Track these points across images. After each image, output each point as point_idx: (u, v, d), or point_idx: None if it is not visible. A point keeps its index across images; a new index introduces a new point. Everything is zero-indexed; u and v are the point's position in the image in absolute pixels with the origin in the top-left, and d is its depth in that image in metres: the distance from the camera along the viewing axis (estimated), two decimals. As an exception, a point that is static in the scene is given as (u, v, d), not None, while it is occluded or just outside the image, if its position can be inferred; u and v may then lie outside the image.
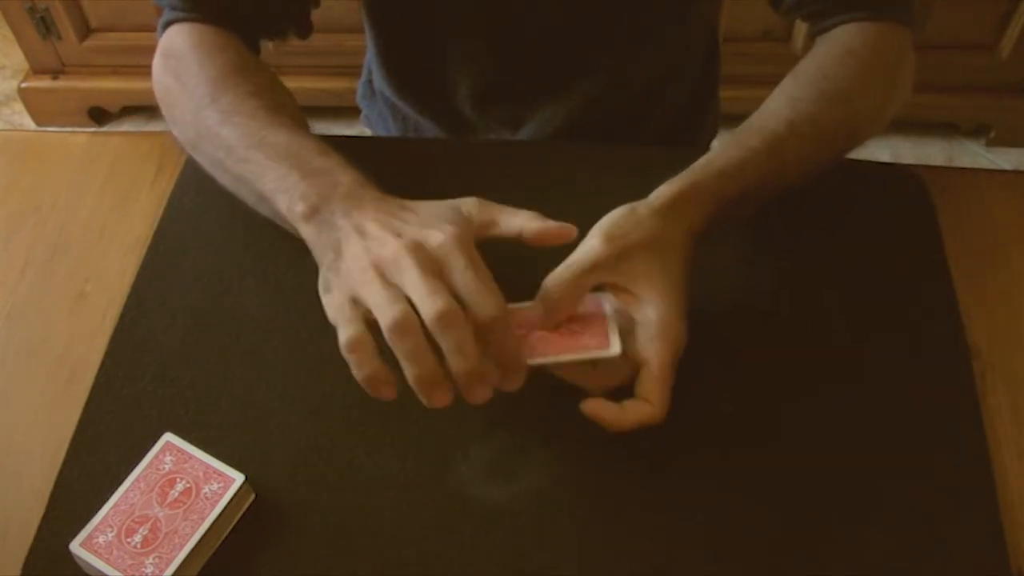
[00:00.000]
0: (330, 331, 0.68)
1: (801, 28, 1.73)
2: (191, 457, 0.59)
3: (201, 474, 0.59)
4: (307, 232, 0.60)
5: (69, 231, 0.76)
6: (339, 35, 1.74)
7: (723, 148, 0.67)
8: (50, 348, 0.69)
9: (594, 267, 0.59)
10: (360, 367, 0.54)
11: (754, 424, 0.63)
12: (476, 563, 0.58)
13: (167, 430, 0.61)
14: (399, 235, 0.55)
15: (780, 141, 0.67)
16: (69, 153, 0.82)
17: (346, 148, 0.71)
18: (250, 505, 0.60)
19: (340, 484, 0.61)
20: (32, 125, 2.00)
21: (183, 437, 0.60)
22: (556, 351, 0.58)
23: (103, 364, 0.66)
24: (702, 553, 0.58)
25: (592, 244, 0.60)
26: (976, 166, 1.90)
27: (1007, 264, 0.74)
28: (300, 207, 0.60)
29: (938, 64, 1.80)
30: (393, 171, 0.76)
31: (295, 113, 0.71)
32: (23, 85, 1.94)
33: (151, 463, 0.59)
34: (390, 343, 0.52)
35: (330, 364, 0.66)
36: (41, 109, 1.99)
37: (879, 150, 1.94)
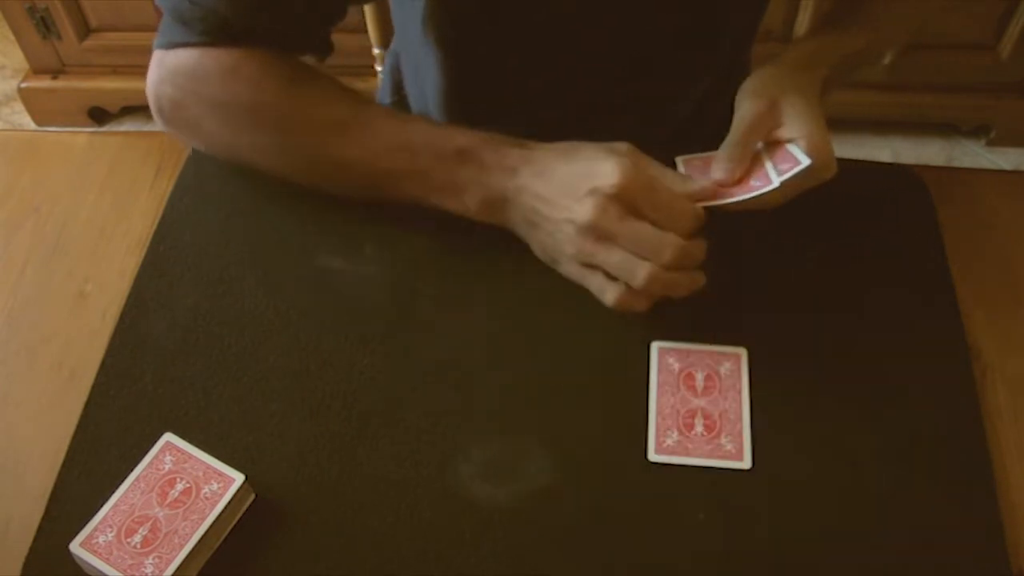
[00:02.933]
0: (330, 331, 0.68)
1: (801, 28, 1.73)
2: (191, 457, 0.59)
3: (201, 474, 0.59)
4: (494, 219, 0.67)
5: (69, 231, 0.76)
6: (339, 35, 1.74)
7: (826, 19, 0.77)
8: (50, 348, 0.69)
9: (754, 125, 0.66)
10: (639, 309, 0.64)
11: (754, 424, 0.63)
12: (476, 563, 0.58)
13: (167, 430, 0.61)
14: (580, 199, 0.61)
15: (874, 13, 0.76)
16: (69, 153, 0.82)
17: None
18: (250, 505, 0.60)
19: (340, 484, 0.61)
20: (32, 125, 2.00)
21: (183, 437, 0.60)
22: (731, 195, 0.66)
23: (103, 364, 0.66)
24: (702, 553, 0.58)
25: (746, 105, 0.67)
26: (976, 166, 1.90)
27: (1007, 264, 0.74)
28: (473, 206, 0.66)
29: (938, 64, 1.80)
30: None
31: (371, 101, 0.71)
32: (23, 85, 1.94)
33: (151, 463, 0.59)
34: (649, 293, 0.62)
35: (330, 364, 0.66)
36: (41, 109, 1.98)
37: (879, 150, 1.94)
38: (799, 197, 0.72)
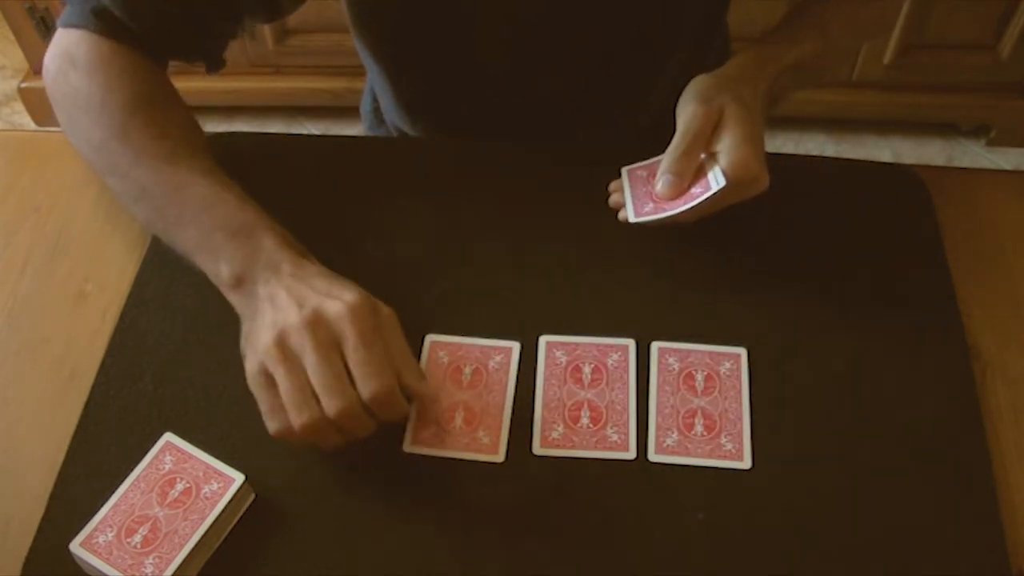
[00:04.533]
0: (330, 331, 0.67)
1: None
2: (191, 457, 0.59)
3: (201, 474, 0.59)
4: (232, 299, 0.64)
5: (69, 231, 0.76)
6: (339, 35, 1.74)
7: (774, 30, 0.76)
8: (50, 348, 0.69)
9: (701, 132, 0.67)
10: (296, 445, 0.59)
11: (754, 424, 0.63)
12: (476, 563, 0.58)
13: (167, 430, 0.61)
14: (302, 306, 0.59)
15: (823, 22, 0.76)
16: (69, 153, 0.82)
17: (347, 148, 0.72)
18: (250, 505, 0.60)
19: (340, 484, 0.61)
20: (32, 125, 2.00)
21: (183, 437, 0.60)
22: (674, 206, 0.68)
23: (103, 364, 0.66)
24: (702, 552, 0.58)
25: (690, 111, 0.67)
26: (976, 166, 1.90)
27: (1007, 264, 0.74)
28: (226, 275, 0.64)
29: (938, 64, 1.80)
30: (393, 171, 0.76)
31: (208, 155, 0.70)
32: (23, 85, 1.94)
33: (151, 463, 0.59)
34: (302, 436, 0.57)
35: (330, 364, 0.66)
36: (41, 109, 1.98)
37: (879, 150, 1.94)
38: (800, 196, 0.72)
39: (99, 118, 0.69)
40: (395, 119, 0.96)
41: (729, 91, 0.68)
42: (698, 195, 0.66)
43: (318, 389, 0.57)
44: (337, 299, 0.59)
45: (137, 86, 0.70)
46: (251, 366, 0.59)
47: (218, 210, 0.65)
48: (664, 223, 0.69)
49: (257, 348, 0.59)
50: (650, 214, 0.69)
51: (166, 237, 0.68)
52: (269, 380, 0.58)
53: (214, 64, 0.77)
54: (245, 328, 0.62)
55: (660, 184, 0.67)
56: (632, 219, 0.70)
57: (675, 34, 0.86)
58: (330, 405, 0.56)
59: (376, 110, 1.02)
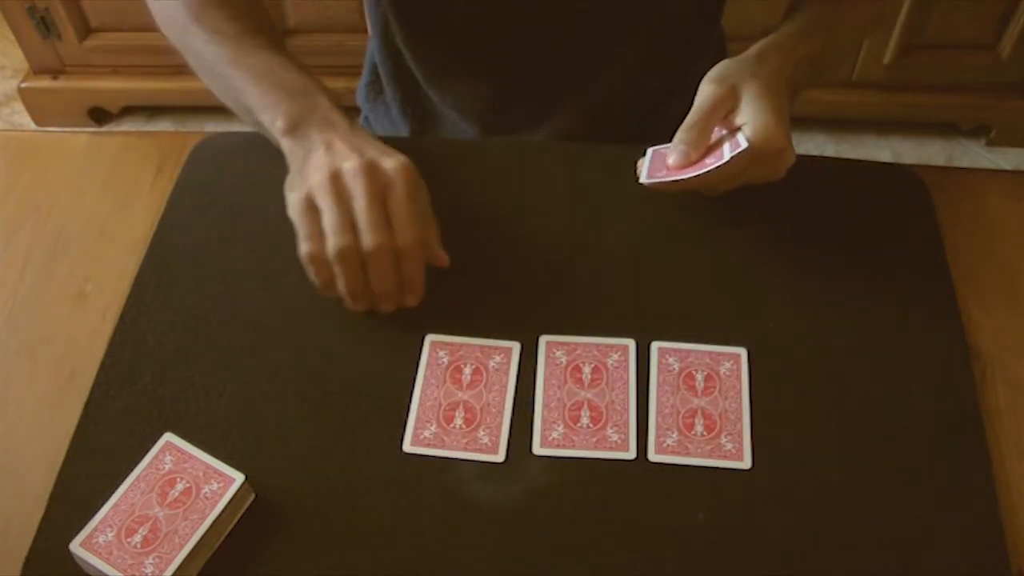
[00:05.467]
0: (330, 331, 0.68)
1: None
2: (191, 457, 0.59)
3: (201, 474, 0.59)
4: (285, 144, 0.69)
5: (69, 231, 0.76)
6: (339, 35, 1.74)
7: (781, 25, 0.78)
8: (50, 348, 0.69)
9: (714, 107, 0.68)
10: (317, 276, 0.65)
11: (754, 424, 0.63)
12: (476, 563, 0.58)
13: (167, 430, 0.61)
14: (360, 154, 0.65)
15: (824, 17, 0.78)
16: (69, 153, 0.82)
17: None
18: (250, 505, 0.60)
19: (340, 484, 0.61)
20: (32, 125, 2.00)
21: (183, 437, 0.60)
22: (687, 172, 0.68)
23: (103, 364, 0.66)
24: (702, 553, 0.58)
25: (706, 91, 0.69)
26: (976, 166, 1.90)
27: (1007, 264, 0.74)
28: (281, 123, 0.69)
29: (938, 64, 1.80)
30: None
31: (274, 35, 0.77)
32: (23, 85, 1.94)
33: (151, 463, 0.59)
34: (333, 262, 0.63)
35: (330, 364, 0.66)
36: (41, 109, 1.98)
37: (879, 150, 1.94)
38: (800, 196, 0.72)
39: (183, 6, 0.75)
40: (394, 75, 0.97)
41: (748, 71, 0.70)
42: (710, 164, 0.67)
43: (362, 224, 0.62)
44: (391, 157, 0.65)
45: None
46: (297, 195, 0.65)
47: (280, 76, 0.71)
48: (680, 188, 0.70)
49: (308, 180, 0.65)
50: (662, 177, 0.69)
51: (235, 104, 0.75)
52: (311, 208, 0.64)
53: None
54: (296, 165, 0.67)
55: (672, 155, 0.69)
56: (643, 180, 0.71)
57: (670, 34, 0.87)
58: (369, 239, 0.62)
59: (373, 82, 1.02)
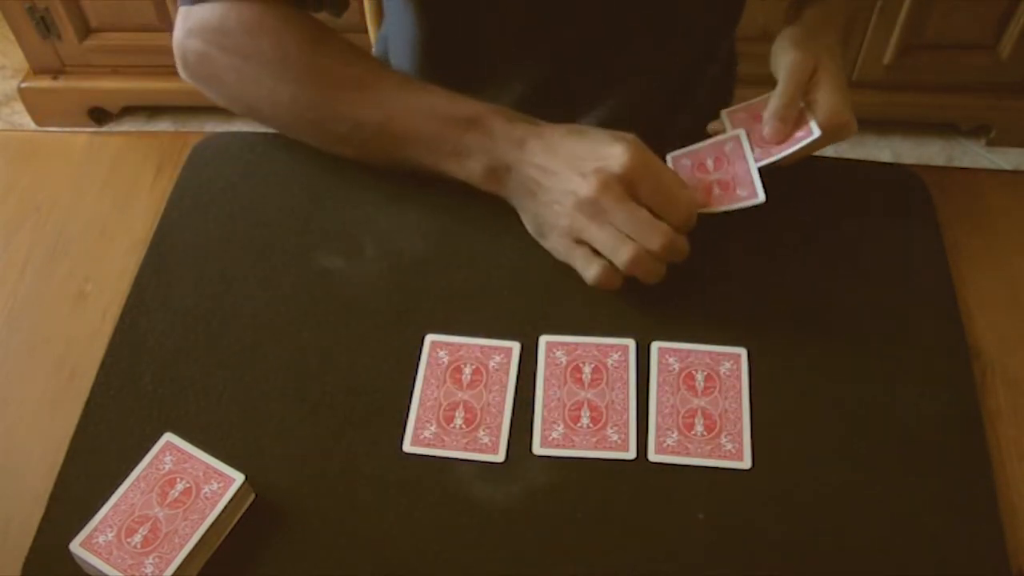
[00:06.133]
0: (330, 331, 0.68)
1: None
2: (191, 457, 0.59)
3: (201, 474, 0.59)
4: (495, 188, 0.69)
5: (69, 231, 0.76)
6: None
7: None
8: (50, 348, 0.69)
9: (803, 79, 0.70)
10: (611, 287, 0.65)
11: (754, 424, 0.63)
12: (476, 563, 0.58)
13: (167, 430, 0.61)
14: (584, 174, 0.63)
15: None
16: (69, 153, 0.82)
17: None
18: (250, 505, 0.60)
19: (340, 484, 0.61)
20: (32, 125, 2.00)
21: (183, 437, 0.60)
22: (778, 151, 0.71)
23: (103, 364, 0.66)
24: (702, 553, 0.58)
25: (795, 59, 0.70)
26: (976, 166, 1.90)
27: (1007, 264, 0.74)
28: (478, 171, 0.68)
29: (938, 64, 1.80)
30: (393, 171, 0.76)
31: (387, 66, 0.74)
32: (23, 85, 1.94)
33: (151, 463, 0.59)
34: (628, 273, 0.64)
35: (330, 364, 0.66)
36: (41, 109, 1.98)
37: (879, 150, 1.94)
38: (800, 197, 0.73)
39: (283, 73, 0.70)
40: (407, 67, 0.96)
41: (820, 40, 0.72)
42: (800, 139, 0.70)
43: (635, 234, 0.62)
44: (609, 158, 0.63)
45: (301, 33, 0.71)
46: (558, 242, 0.66)
47: (438, 112, 0.68)
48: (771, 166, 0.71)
49: (559, 223, 0.65)
50: (760, 159, 0.71)
51: (391, 161, 0.71)
52: (578, 243, 0.64)
53: (341, 8, 0.79)
54: (530, 211, 0.67)
55: (768, 129, 0.70)
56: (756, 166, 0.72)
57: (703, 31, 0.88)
58: (652, 242, 0.62)
59: None
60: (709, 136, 0.75)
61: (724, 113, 0.74)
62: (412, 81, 0.71)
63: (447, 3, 0.84)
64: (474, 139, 0.67)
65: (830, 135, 0.70)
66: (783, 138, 0.70)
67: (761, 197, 0.68)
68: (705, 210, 0.68)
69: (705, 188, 0.70)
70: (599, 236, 0.63)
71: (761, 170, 0.70)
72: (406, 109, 0.69)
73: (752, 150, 0.72)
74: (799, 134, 0.70)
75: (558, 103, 0.92)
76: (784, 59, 0.71)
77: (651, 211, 0.63)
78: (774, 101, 0.71)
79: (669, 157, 0.73)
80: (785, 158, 0.70)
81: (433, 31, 0.87)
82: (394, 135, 0.69)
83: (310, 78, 0.70)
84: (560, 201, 0.64)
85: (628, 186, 0.63)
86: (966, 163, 1.92)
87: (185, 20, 0.73)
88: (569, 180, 0.64)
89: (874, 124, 1.96)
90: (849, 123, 0.70)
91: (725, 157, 0.72)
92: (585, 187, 0.63)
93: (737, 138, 0.72)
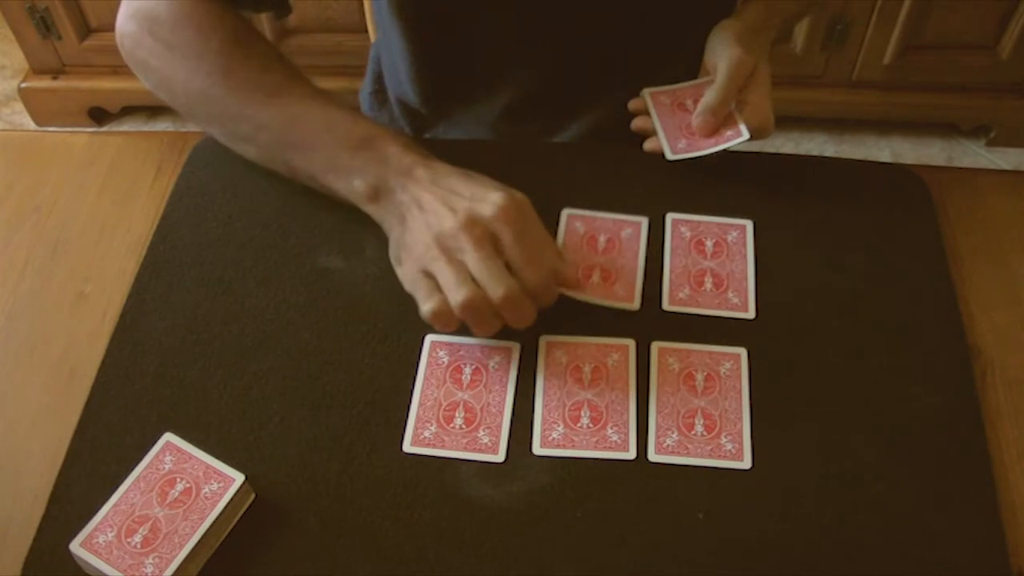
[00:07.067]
0: (330, 331, 0.68)
1: (801, 28, 1.73)
2: (191, 457, 0.59)
3: (201, 474, 0.59)
4: (371, 210, 0.68)
5: (69, 231, 0.76)
6: (339, 35, 1.74)
7: None
8: (50, 348, 0.69)
9: (742, 79, 0.71)
10: (445, 328, 0.63)
11: (754, 424, 0.63)
12: (476, 563, 0.58)
13: (167, 430, 0.61)
14: (454, 210, 0.62)
15: None
16: (69, 153, 0.82)
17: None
18: (250, 505, 0.60)
19: (340, 484, 0.61)
20: (32, 125, 2.00)
21: (183, 437, 0.60)
22: (705, 145, 0.73)
23: (103, 364, 0.66)
24: (702, 553, 0.58)
25: (739, 57, 0.71)
26: (976, 166, 1.90)
27: (1007, 264, 0.74)
28: (360, 189, 0.67)
29: (938, 64, 1.80)
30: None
31: (306, 80, 0.73)
32: (23, 85, 1.94)
33: (151, 463, 0.59)
34: (460, 316, 0.61)
35: (330, 364, 0.66)
36: (41, 109, 1.99)
37: (879, 150, 1.94)
38: (799, 196, 0.72)
39: (199, 66, 0.71)
40: (402, 87, 0.96)
41: (758, 42, 0.74)
42: (730, 138, 0.72)
43: (482, 280, 0.61)
44: (484, 201, 0.63)
45: (226, 32, 0.72)
46: (407, 269, 0.64)
47: (337, 129, 0.69)
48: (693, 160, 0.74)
49: (414, 251, 0.64)
50: (684, 152, 0.73)
51: (287, 167, 0.72)
52: (426, 275, 0.63)
53: (285, 10, 0.81)
54: (395, 235, 0.67)
55: (699, 121, 0.72)
56: (670, 156, 0.75)
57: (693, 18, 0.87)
58: (496, 291, 0.60)
59: (377, 92, 1.02)
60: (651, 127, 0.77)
61: (647, 92, 0.75)
62: (321, 95, 0.72)
63: (435, 18, 0.85)
64: (364, 159, 0.67)
65: (754, 136, 0.72)
66: (710, 132, 0.71)
67: (745, 135, 0.71)
68: (689, 155, 0.71)
69: (686, 128, 0.73)
70: (445, 271, 0.61)
71: (681, 161, 0.71)
72: (307, 120, 0.70)
73: (677, 141, 0.73)
74: (728, 133, 0.71)
75: (546, 112, 0.92)
76: (726, 54, 0.72)
77: (509, 263, 0.62)
78: (711, 95, 0.71)
79: (647, 93, 0.75)
80: (711, 154, 0.72)
81: (421, 43, 0.88)
82: (290, 143, 0.70)
83: (223, 76, 0.71)
84: (422, 230, 0.63)
85: (493, 233, 0.62)
86: (966, 163, 1.92)
87: (128, 4, 0.76)
88: (438, 213, 0.63)
89: (874, 124, 1.96)
90: (771, 128, 0.73)
91: (618, 241, 0.72)
92: (449, 222, 0.62)
93: (638, 226, 0.73)
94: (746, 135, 0.71)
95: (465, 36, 0.86)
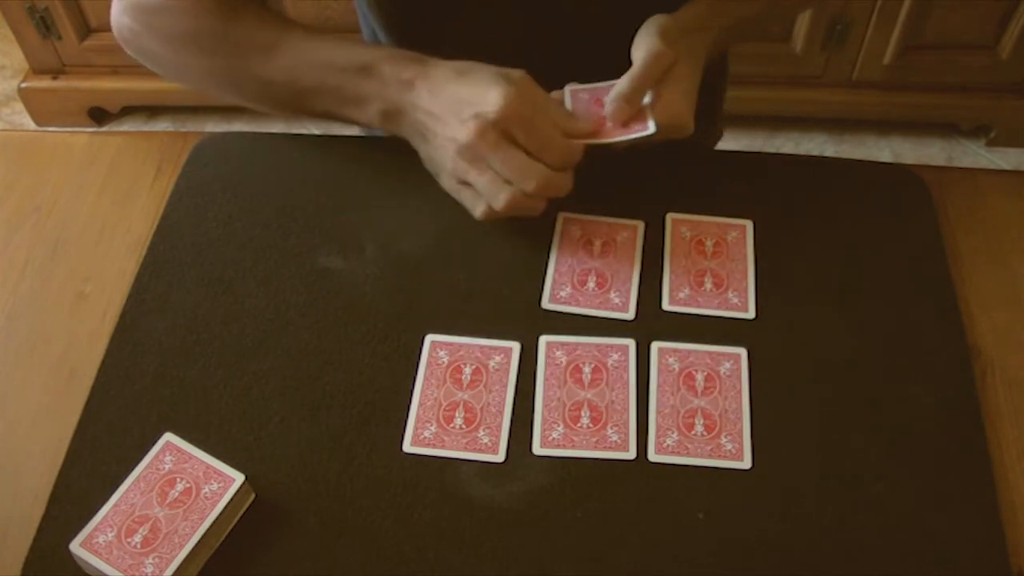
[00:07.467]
0: (330, 331, 0.68)
1: (801, 28, 1.73)
2: (191, 457, 0.59)
3: (201, 474, 0.59)
4: (393, 130, 0.72)
5: (69, 231, 0.76)
6: (339, 35, 1.74)
7: None
8: (50, 348, 0.69)
9: (658, 71, 0.70)
10: (499, 220, 0.68)
11: (754, 424, 0.63)
12: (476, 563, 0.58)
13: (167, 430, 0.61)
14: (464, 121, 0.65)
15: None
16: (69, 153, 0.82)
17: (347, 148, 0.72)
18: (250, 505, 0.60)
19: (340, 484, 0.61)
20: (32, 125, 2.00)
21: (183, 437, 0.60)
22: (612, 135, 0.71)
23: (103, 364, 0.66)
24: (702, 553, 0.58)
25: (659, 50, 0.70)
26: (976, 166, 1.90)
27: (1007, 264, 0.74)
28: (373, 115, 0.71)
29: (938, 64, 1.80)
30: (393, 171, 0.76)
31: (295, 23, 0.75)
32: (23, 85, 1.94)
33: (151, 463, 0.59)
34: (507, 214, 0.66)
35: (330, 364, 0.66)
36: (41, 109, 1.98)
37: (879, 150, 1.94)
38: (799, 196, 0.72)
39: (199, 48, 0.75)
40: None
41: (687, 39, 0.72)
42: (636, 131, 0.70)
43: (511, 177, 0.65)
44: (485, 104, 0.65)
45: (216, 5, 0.74)
46: (447, 182, 0.70)
47: (334, 64, 0.72)
48: (594, 150, 0.71)
49: (446, 166, 0.68)
50: (588, 138, 0.71)
51: (307, 113, 0.76)
52: (463, 185, 0.68)
53: None
54: (423, 151, 0.71)
55: (610, 108, 0.71)
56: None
57: None
58: (528, 185, 0.65)
59: None
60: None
61: (567, 89, 0.74)
62: (313, 37, 0.74)
63: (414, 13, 0.86)
64: (369, 85, 0.71)
65: (665, 132, 0.71)
66: (621, 120, 0.71)
67: (651, 128, 0.69)
68: (596, 141, 0.69)
69: (598, 121, 0.71)
70: (479, 181, 0.66)
71: (593, 149, 0.70)
72: (308, 65, 0.73)
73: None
74: (636, 125, 0.70)
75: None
76: (644, 45, 0.72)
77: (529, 152, 0.65)
78: (622, 83, 0.71)
79: (567, 89, 0.74)
80: (618, 143, 0.71)
81: (403, 39, 0.88)
82: (301, 91, 0.73)
83: (222, 49, 0.74)
84: (445, 146, 0.67)
85: (504, 130, 0.65)
86: (966, 163, 1.92)
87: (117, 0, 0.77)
88: (450, 126, 0.66)
89: (874, 124, 1.96)
90: (686, 125, 0.72)
91: (614, 245, 0.72)
92: (463, 133, 0.65)
93: (635, 229, 0.73)
94: (652, 129, 0.69)
95: (447, 31, 0.87)
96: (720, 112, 1.04)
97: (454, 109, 0.67)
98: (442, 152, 0.68)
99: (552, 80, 0.88)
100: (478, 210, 0.68)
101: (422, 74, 0.69)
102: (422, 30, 0.88)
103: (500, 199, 0.66)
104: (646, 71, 0.70)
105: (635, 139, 0.70)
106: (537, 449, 0.62)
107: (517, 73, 0.67)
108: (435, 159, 0.70)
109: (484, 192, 0.66)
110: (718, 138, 1.07)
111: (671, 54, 0.70)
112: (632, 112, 0.71)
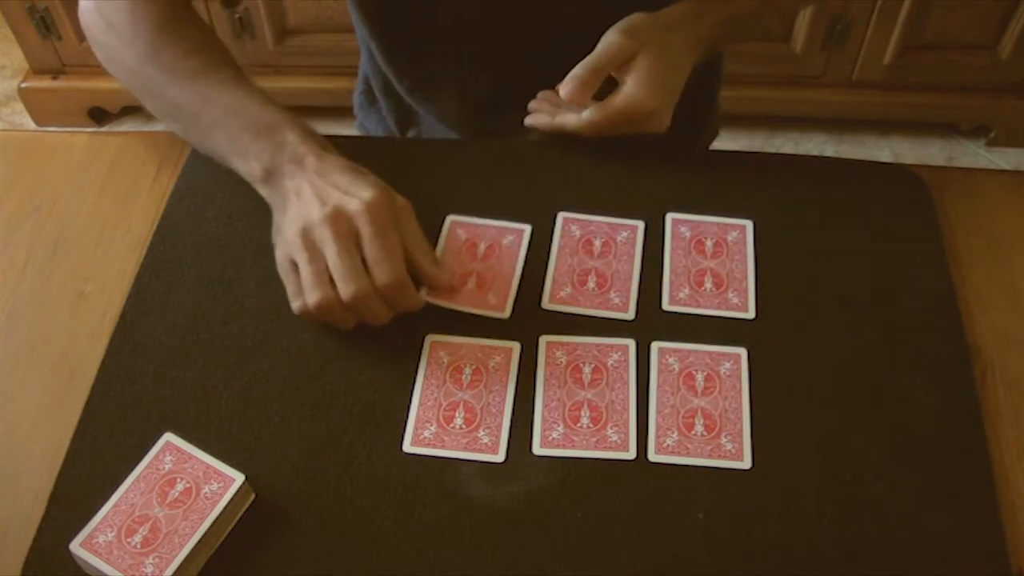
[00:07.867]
0: (330, 331, 0.68)
1: (801, 28, 1.73)
2: (191, 457, 0.59)
3: (201, 474, 0.59)
4: (262, 191, 0.71)
5: (69, 231, 0.76)
6: (339, 35, 1.74)
7: None
8: (50, 348, 0.69)
9: (612, 58, 0.72)
10: (306, 317, 0.65)
11: (754, 424, 0.63)
12: (476, 563, 0.58)
13: (167, 430, 0.61)
14: (324, 202, 0.64)
15: None
16: (69, 153, 0.82)
17: (346, 148, 0.72)
18: (250, 505, 0.60)
19: (340, 484, 0.61)
20: (32, 125, 2.00)
21: (183, 437, 0.60)
22: (463, 303, 0.69)
23: (103, 364, 0.66)
24: (702, 552, 0.58)
25: (613, 40, 0.71)
26: (976, 166, 1.90)
27: (1007, 264, 0.74)
28: (256, 170, 0.70)
29: (938, 64, 1.80)
30: (393, 171, 0.76)
31: (230, 66, 0.76)
32: (23, 85, 1.94)
33: (151, 463, 0.59)
34: (316, 317, 0.65)
35: (330, 364, 0.66)
36: (41, 109, 1.99)
37: (879, 150, 1.94)
38: (799, 196, 0.72)
39: (131, 43, 0.75)
40: (384, 89, 0.98)
41: (656, 34, 0.73)
42: (483, 308, 0.68)
43: (335, 275, 0.63)
44: (355, 196, 0.64)
45: (160, 11, 0.75)
46: (279, 255, 0.67)
47: (244, 114, 0.71)
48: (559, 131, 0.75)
49: (286, 239, 0.66)
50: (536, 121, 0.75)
51: (201, 147, 0.76)
52: (294, 267, 0.65)
53: None
54: (276, 219, 0.69)
55: (564, 89, 0.72)
56: (528, 122, 0.78)
57: None
58: (345, 290, 0.62)
59: (366, 91, 1.03)
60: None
61: (449, 219, 0.74)
62: (236, 82, 0.74)
63: (395, 10, 0.87)
64: (265, 144, 0.70)
65: (624, 120, 0.72)
66: (576, 100, 0.72)
67: (505, 315, 0.67)
68: (438, 302, 0.68)
69: (461, 277, 0.70)
70: (306, 269, 0.64)
71: (567, 137, 0.72)
72: (217, 104, 0.72)
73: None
74: (492, 303, 0.69)
75: (517, 107, 0.92)
76: (606, 37, 0.73)
77: (365, 260, 0.63)
78: (577, 67, 0.72)
79: (448, 219, 0.73)
80: (460, 310, 0.68)
81: (384, 36, 0.90)
82: (203, 125, 0.73)
83: (149, 58, 0.74)
84: (294, 219, 0.65)
85: (354, 229, 0.63)
86: (966, 163, 1.92)
87: None
88: (310, 203, 0.65)
89: (874, 124, 1.96)
90: (654, 115, 0.72)
91: (499, 247, 0.72)
92: (316, 214, 0.64)
93: (520, 233, 0.72)
94: (588, 115, 0.72)
95: (417, 36, 0.88)
96: (715, 110, 1.04)
97: (323, 193, 0.65)
98: (289, 225, 0.65)
99: (541, 80, 0.88)
100: (295, 303, 0.65)
101: (317, 155, 0.68)
102: (409, 30, 0.88)
103: (315, 295, 0.63)
104: (600, 56, 0.71)
105: (479, 314, 0.68)
106: (537, 449, 0.62)
107: (402, 198, 0.67)
108: (281, 229, 0.67)
109: (305, 283, 0.64)
110: (713, 136, 1.07)
111: (631, 45, 0.71)
112: (585, 96, 0.72)
